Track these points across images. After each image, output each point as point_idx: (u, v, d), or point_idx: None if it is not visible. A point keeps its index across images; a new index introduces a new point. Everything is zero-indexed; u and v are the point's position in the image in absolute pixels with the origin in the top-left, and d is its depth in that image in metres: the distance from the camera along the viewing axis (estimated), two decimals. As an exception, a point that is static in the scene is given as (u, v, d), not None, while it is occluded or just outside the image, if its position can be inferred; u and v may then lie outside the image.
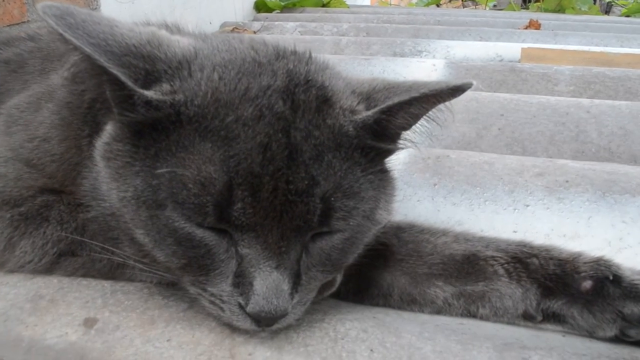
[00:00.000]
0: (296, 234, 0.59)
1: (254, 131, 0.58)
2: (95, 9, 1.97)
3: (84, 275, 0.74)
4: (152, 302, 0.69)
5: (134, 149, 0.61)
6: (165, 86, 0.61)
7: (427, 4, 3.36)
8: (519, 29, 2.39)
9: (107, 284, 0.73)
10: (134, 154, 0.61)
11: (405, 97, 0.64)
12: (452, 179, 0.97)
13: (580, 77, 1.63)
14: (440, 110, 0.68)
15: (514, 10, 3.13)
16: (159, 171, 0.59)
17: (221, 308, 0.60)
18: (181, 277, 0.62)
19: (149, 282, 0.73)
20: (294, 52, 0.69)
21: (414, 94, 0.63)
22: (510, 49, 2.01)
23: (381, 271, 0.74)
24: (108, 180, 0.63)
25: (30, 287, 0.72)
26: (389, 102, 0.64)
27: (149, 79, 0.61)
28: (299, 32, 2.38)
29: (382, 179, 0.67)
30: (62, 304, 0.69)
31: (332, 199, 0.59)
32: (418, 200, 0.94)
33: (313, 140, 0.60)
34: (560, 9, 3.16)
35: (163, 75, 0.61)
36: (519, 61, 1.93)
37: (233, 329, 0.63)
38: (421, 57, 1.99)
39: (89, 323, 0.66)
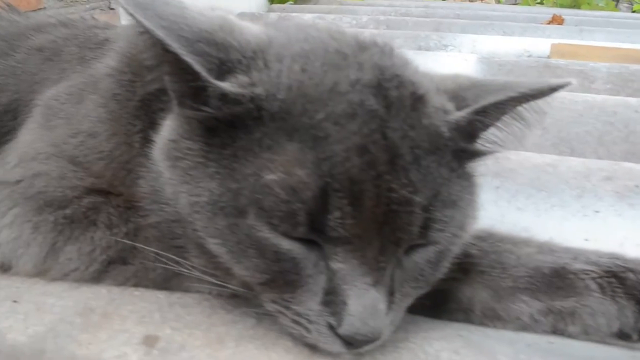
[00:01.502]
0: (394, 248, 0.52)
1: (348, 130, 0.51)
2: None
3: (135, 285, 0.67)
4: (216, 317, 0.62)
5: (206, 147, 0.55)
6: (242, 78, 0.54)
7: (442, -2, 3.29)
8: (542, 23, 2.32)
9: (161, 296, 0.66)
10: (207, 154, 0.54)
11: (501, 96, 0.58)
12: (515, 181, 0.90)
13: (617, 74, 1.57)
14: (529, 110, 0.62)
15: (529, 4, 3.07)
16: (241, 173, 0.52)
17: (306, 328, 0.53)
18: (260, 293, 0.55)
19: (207, 293, 0.66)
20: (376, 43, 0.62)
21: (511, 93, 0.57)
22: (538, 44, 1.95)
23: (460, 284, 0.68)
24: (175, 182, 0.56)
25: (78, 298, 0.66)
26: (484, 102, 0.58)
27: (223, 69, 0.54)
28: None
29: (472, 185, 0.61)
30: (116, 319, 0.62)
31: (431, 208, 0.53)
32: (481, 204, 0.88)
33: (409, 142, 0.53)
34: (575, 4, 3.10)
35: (237, 65, 0.55)
36: (548, 57, 1.87)
37: (312, 349, 0.56)
38: (447, 51, 1.93)
39: (150, 341, 0.59)
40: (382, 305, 0.52)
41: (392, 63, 0.59)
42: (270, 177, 0.50)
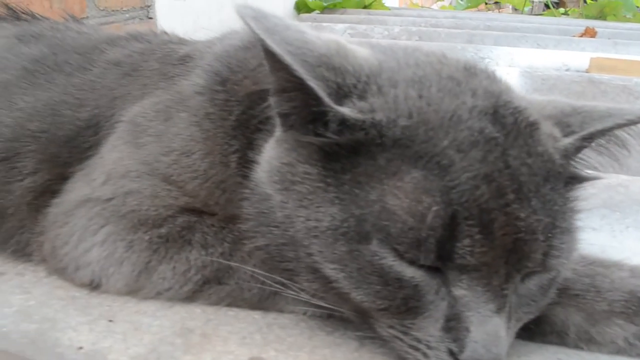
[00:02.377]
0: (517, 275, 0.52)
1: (473, 158, 0.52)
2: (150, 6, 1.91)
3: (229, 305, 0.68)
4: (317, 339, 0.63)
5: (324, 172, 0.55)
6: (361, 103, 0.54)
7: (467, 8, 3.30)
8: (574, 36, 2.32)
9: (257, 316, 0.67)
10: (326, 178, 0.55)
11: (608, 123, 0.59)
12: (589, 201, 0.90)
13: (663, 90, 1.57)
14: (631, 135, 0.63)
15: (554, 15, 3.08)
16: (364, 199, 0.52)
17: (425, 354, 0.53)
18: (378, 318, 0.55)
19: (302, 314, 0.66)
20: (480, 68, 0.62)
21: (618, 120, 0.58)
22: (574, 57, 1.95)
23: (554, 306, 0.68)
24: (289, 206, 0.56)
25: (173, 318, 0.66)
26: (591, 129, 0.59)
27: (340, 93, 0.55)
28: (349, 34, 2.31)
29: (576, 210, 0.61)
30: (216, 340, 0.62)
31: (550, 235, 0.53)
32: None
33: (528, 169, 0.54)
34: (602, 16, 3.10)
35: (352, 90, 0.55)
36: (587, 71, 1.87)
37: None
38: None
39: (256, 364, 0.59)
40: (503, 332, 0.52)
41: (499, 89, 0.60)
42: (395, 203, 0.51)
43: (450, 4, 4.80)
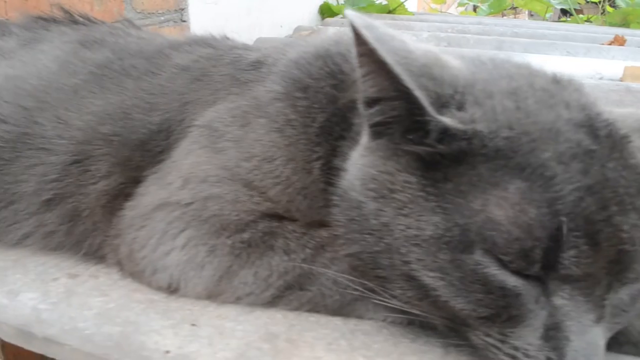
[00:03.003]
0: (617, 285, 0.53)
1: (575, 170, 0.52)
2: (184, 9, 1.92)
3: (310, 311, 0.68)
4: (403, 346, 0.63)
5: (424, 180, 0.56)
6: (461, 114, 0.55)
7: (490, 13, 3.31)
8: (603, 44, 2.33)
9: (338, 322, 0.67)
10: (426, 187, 0.55)
11: None
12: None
13: (701, 99, 1.57)
14: None
15: (577, 22, 3.08)
16: (468, 209, 0.53)
17: None
18: (476, 327, 0.56)
19: (381, 320, 0.67)
20: (568, 80, 0.63)
21: None
22: (606, 65, 1.95)
23: None
24: (387, 215, 0.57)
25: (256, 322, 0.67)
26: None
27: (439, 103, 0.56)
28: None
29: None
30: (302, 345, 0.63)
31: None
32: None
33: (624, 181, 0.54)
34: (625, 23, 3.10)
35: (450, 100, 0.56)
36: (621, 79, 1.87)
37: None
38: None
39: (347, 370, 0.60)
40: (601, 342, 0.53)
41: (588, 100, 0.60)
42: (500, 213, 0.51)
43: (466, 9, 4.80)
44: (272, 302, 0.68)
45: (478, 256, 0.52)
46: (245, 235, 0.68)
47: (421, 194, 0.55)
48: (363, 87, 0.59)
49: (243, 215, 0.69)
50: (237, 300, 0.69)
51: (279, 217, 0.70)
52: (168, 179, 0.74)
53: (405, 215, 0.55)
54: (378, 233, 0.58)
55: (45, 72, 0.88)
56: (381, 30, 0.55)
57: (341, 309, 0.67)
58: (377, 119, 0.59)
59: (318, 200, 0.70)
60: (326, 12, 2.86)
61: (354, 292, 0.65)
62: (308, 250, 0.68)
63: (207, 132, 0.75)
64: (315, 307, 0.68)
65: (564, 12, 6.01)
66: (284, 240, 0.68)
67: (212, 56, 0.87)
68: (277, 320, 0.67)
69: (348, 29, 0.56)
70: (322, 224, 0.70)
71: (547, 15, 3.47)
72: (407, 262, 0.56)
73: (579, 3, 3.59)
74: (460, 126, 0.54)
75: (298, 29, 2.49)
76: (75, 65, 0.89)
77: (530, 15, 5.85)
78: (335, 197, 0.63)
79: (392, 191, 0.57)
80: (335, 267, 0.66)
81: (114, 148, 0.78)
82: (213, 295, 0.69)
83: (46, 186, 0.77)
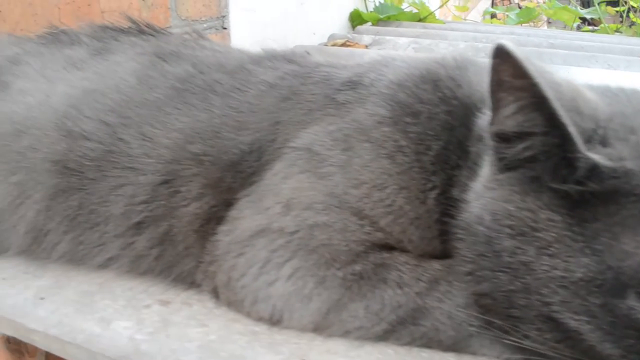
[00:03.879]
0: None
1: None
2: (225, 16, 1.90)
3: (422, 346, 0.65)
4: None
5: (570, 219, 0.53)
6: (607, 150, 0.53)
7: (518, 23, 3.28)
8: (643, 57, 2.29)
9: (452, 358, 0.64)
10: (573, 226, 0.53)
11: None
12: None
13: None
14: None
15: (608, 32, 3.05)
16: (621, 251, 0.50)
17: None
18: None
19: (496, 357, 0.64)
20: None
21: None
22: (652, 80, 1.92)
23: None
24: (530, 254, 0.54)
25: (367, 358, 0.64)
26: None
27: (584, 139, 0.53)
28: (413, 48, 2.29)
29: None
30: (422, 385, 0.60)
31: None
32: None
33: None
34: (656, 35, 3.07)
35: (594, 135, 0.54)
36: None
37: None
38: None
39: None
40: None
41: None
42: None
43: (484, 17, 4.78)
44: (383, 336, 0.65)
45: (632, 300, 0.50)
46: (357, 267, 0.65)
47: (568, 233, 0.52)
48: (502, 121, 0.56)
49: (353, 245, 0.66)
50: (346, 334, 0.66)
51: (389, 248, 0.67)
52: (265, 203, 0.71)
53: (550, 256, 0.52)
54: (514, 272, 0.55)
55: (124, 86, 0.85)
56: (535, 62, 0.52)
57: (455, 345, 0.64)
58: (517, 154, 0.56)
59: (431, 231, 0.67)
60: (356, 19, 2.82)
61: (470, 328, 0.62)
62: (422, 284, 0.65)
63: (306, 156, 0.72)
64: (428, 342, 0.65)
65: (582, 19, 6.00)
66: (397, 273, 0.65)
67: (298, 73, 0.84)
68: (389, 355, 0.64)
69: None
70: (434, 256, 0.68)
71: (573, 24, 3.44)
72: (548, 304, 0.53)
73: (608, 13, 3.57)
74: (609, 164, 0.52)
75: (332, 37, 2.46)
76: (155, 79, 0.86)
77: (549, 22, 5.82)
78: (459, 231, 0.60)
79: (533, 229, 0.54)
80: (450, 302, 0.64)
81: (205, 168, 0.75)
82: (320, 328, 0.66)
83: (136, 208, 0.74)
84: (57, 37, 1.01)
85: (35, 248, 0.79)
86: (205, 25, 1.81)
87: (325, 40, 2.52)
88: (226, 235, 0.72)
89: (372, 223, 0.66)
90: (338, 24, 2.75)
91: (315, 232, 0.67)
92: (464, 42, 2.34)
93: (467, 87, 0.71)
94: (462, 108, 0.69)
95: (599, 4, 3.09)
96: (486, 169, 0.62)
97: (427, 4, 2.98)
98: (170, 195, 0.75)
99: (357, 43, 2.33)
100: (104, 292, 0.74)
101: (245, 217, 0.71)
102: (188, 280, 0.75)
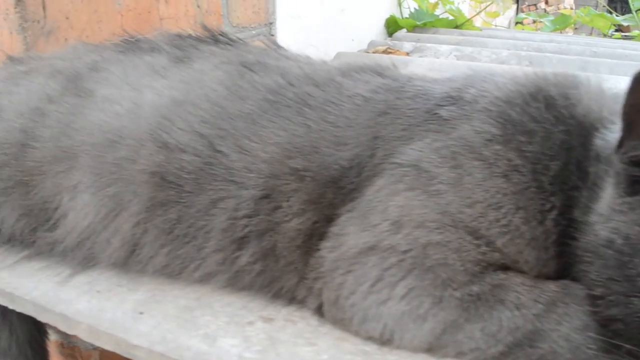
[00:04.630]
0: None
1: None
2: (272, 23, 1.90)
3: (538, 369, 0.64)
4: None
5: None
6: None
7: (554, 30, 3.26)
8: (690, 67, 2.27)
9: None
10: None
11: None
12: None
13: None
14: None
15: (643, 41, 3.03)
16: None
17: None
18: None
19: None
20: None
21: None
22: None
23: None
24: None
25: (486, 382, 0.62)
26: None
27: None
28: (455, 56, 2.28)
29: None
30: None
31: None
32: None
33: None
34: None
35: None
36: None
37: None
38: None
39: None
40: None
41: None
42: None
43: (512, 23, 4.76)
44: (498, 358, 0.64)
45: None
46: (475, 288, 0.64)
47: None
48: (637, 146, 0.55)
49: (469, 265, 0.65)
50: (460, 355, 0.65)
51: (504, 269, 0.66)
52: (371, 220, 0.70)
53: None
54: None
55: (214, 96, 0.84)
56: None
57: None
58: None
59: (548, 252, 0.66)
60: (392, 25, 2.82)
61: (588, 351, 0.61)
62: (540, 305, 0.64)
63: (413, 172, 0.71)
64: None
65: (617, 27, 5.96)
66: (514, 294, 0.64)
67: (391, 87, 0.83)
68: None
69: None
70: (548, 277, 0.67)
71: (609, 31, 3.42)
72: None
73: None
74: None
75: (372, 44, 2.46)
76: (245, 89, 0.85)
77: (575, 29, 5.79)
78: (585, 254, 0.60)
79: None
80: (567, 324, 0.63)
81: (306, 184, 0.74)
82: (434, 348, 0.65)
83: (239, 222, 0.74)
84: (135, 45, 1.01)
85: (130, 261, 0.79)
86: (254, 32, 1.81)
87: (363, 46, 2.52)
88: (331, 252, 0.71)
89: (488, 243, 0.65)
90: (375, 30, 2.75)
91: (429, 251, 0.66)
92: (506, 50, 2.32)
93: (582, 107, 0.70)
94: (579, 128, 0.68)
95: (636, 11, 3.06)
96: (609, 190, 0.61)
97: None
98: (271, 210, 0.74)
99: (398, 50, 2.32)
100: (203, 308, 0.74)
101: (350, 234, 0.71)
102: (288, 297, 0.75)
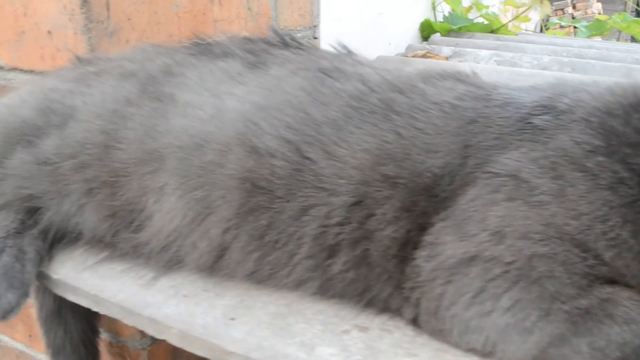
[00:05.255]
0: None
1: None
2: (316, 26, 1.90)
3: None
4: None
5: None
6: None
7: (590, 35, 3.24)
8: None
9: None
10: None
11: None
12: None
13: None
14: None
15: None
16: None
17: None
18: None
19: None
20: None
21: None
22: None
23: None
24: None
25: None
26: None
27: None
28: (495, 61, 2.27)
29: None
30: None
31: None
32: None
33: None
34: None
35: None
36: None
37: None
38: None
39: None
40: None
41: None
42: None
43: (536, 28, 4.73)
44: None
45: None
46: (583, 302, 0.64)
47: None
48: None
49: (576, 278, 0.65)
50: None
51: (611, 282, 0.66)
52: (468, 229, 0.70)
53: None
54: None
55: (296, 102, 0.85)
56: None
57: None
58: None
59: None
60: (426, 29, 2.81)
61: None
62: None
63: (512, 182, 0.71)
64: None
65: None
66: (623, 309, 0.64)
67: (477, 95, 0.83)
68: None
69: None
70: None
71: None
72: None
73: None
74: None
75: (410, 48, 2.46)
76: (327, 95, 0.85)
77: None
78: None
79: None
80: None
81: (399, 191, 0.74)
82: (536, 362, 0.65)
83: (331, 230, 0.74)
84: (207, 49, 1.02)
85: (217, 266, 0.79)
86: (299, 35, 1.82)
87: (400, 50, 2.52)
88: (427, 262, 0.71)
89: (595, 256, 0.65)
90: (410, 34, 2.75)
91: (535, 263, 0.66)
92: (547, 56, 2.31)
93: None
94: None
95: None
96: None
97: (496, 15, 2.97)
98: (364, 217, 0.74)
99: (437, 54, 2.32)
100: (295, 315, 0.74)
101: (447, 243, 0.71)
102: (380, 305, 0.75)
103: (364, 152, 0.78)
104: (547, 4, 2.91)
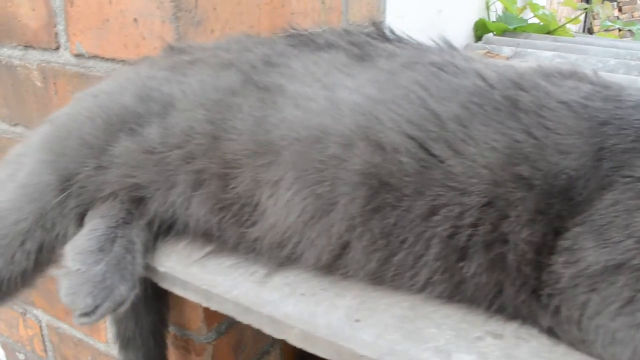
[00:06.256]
0: None
1: None
2: (382, 22, 1.89)
3: None
4: None
5: None
6: None
7: (647, 40, 3.19)
8: None
9: None
10: None
11: None
12: None
13: None
14: None
15: None
16: None
17: None
18: None
19: None
20: None
21: None
22: None
23: None
24: None
25: None
26: None
27: None
28: (558, 63, 2.24)
29: None
30: None
31: None
32: None
33: None
34: None
35: None
36: None
37: None
38: None
39: None
40: None
41: None
42: None
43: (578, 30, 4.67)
44: None
45: None
46: None
47: None
48: None
49: None
50: None
51: None
52: (610, 236, 0.68)
53: None
54: None
55: (415, 97, 0.83)
56: None
57: None
58: None
59: None
60: (480, 28, 2.78)
61: None
62: None
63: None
64: None
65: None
66: None
67: (605, 95, 0.81)
68: None
69: None
70: None
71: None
72: None
73: None
74: None
75: (469, 47, 2.43)
76: (446, 91, 0.84)
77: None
78: None
79: None
80: None
81: (533, 193, 0.72)
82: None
83: (463, 231, 0.72)
84: (309, 39, 1.01)
85: (336, 265, 0.78)
86: (366, 31, 1.80)
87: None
88: (566, 268, 0.69)
89: None
90: (465, 34, 2.72)
91: None
92: (613, 58, 2.27)
93: None
94: None
95: None
96: None
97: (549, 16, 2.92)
98: (498, 219, 0.72)
99: (497, 54, 2.29)
100: (422, 319, 0.72)
101: (587, 249, 0.69)
102: (509, 312, 0.73)
103: (492, 150, 0.76)
104: (608, 5, 2.85)
